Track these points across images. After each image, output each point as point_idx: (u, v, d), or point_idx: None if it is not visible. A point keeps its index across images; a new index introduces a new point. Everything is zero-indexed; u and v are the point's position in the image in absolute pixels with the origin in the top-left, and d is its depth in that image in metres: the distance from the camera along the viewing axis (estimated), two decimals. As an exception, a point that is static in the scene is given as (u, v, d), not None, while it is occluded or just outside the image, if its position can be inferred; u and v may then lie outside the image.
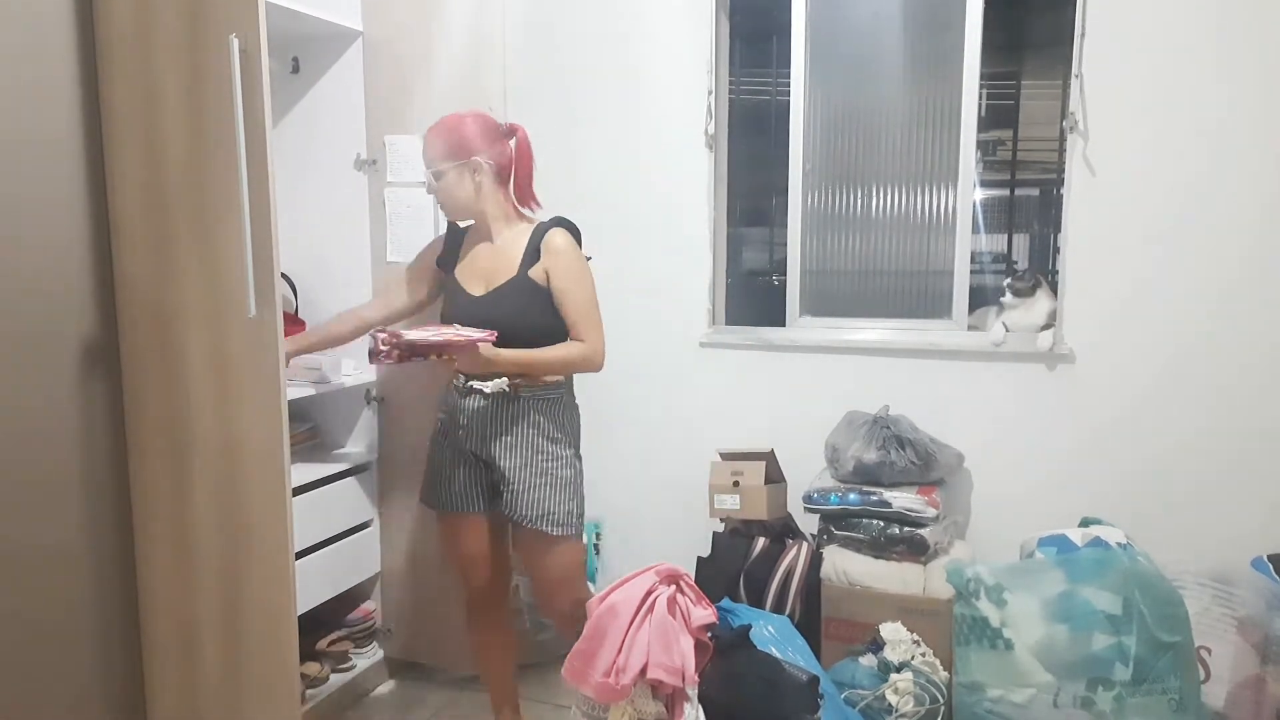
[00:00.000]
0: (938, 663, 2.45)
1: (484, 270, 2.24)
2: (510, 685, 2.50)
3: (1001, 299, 2.90)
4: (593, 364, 2.24)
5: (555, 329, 2.21)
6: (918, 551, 2.60)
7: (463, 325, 2.16)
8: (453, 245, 2.34)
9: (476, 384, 2.21)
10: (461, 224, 2.34)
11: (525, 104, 3.23)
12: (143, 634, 2.33)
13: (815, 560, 2.68)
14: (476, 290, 2.24)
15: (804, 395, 3.06)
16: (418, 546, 2.75)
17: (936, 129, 3.06)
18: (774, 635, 2.25)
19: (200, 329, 2.14)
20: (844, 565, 2.63)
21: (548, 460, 2.23)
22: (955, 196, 3.01)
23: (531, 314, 2.19)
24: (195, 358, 2.16)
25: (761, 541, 2.77)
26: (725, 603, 2.29)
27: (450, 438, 2.28)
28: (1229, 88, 2.58)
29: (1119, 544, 2.41)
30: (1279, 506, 2.61)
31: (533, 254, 2.21)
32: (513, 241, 2.24)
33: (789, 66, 3.11)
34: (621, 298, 3.22)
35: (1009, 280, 2.88)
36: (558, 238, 2.22)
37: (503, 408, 2.22)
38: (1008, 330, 2.86)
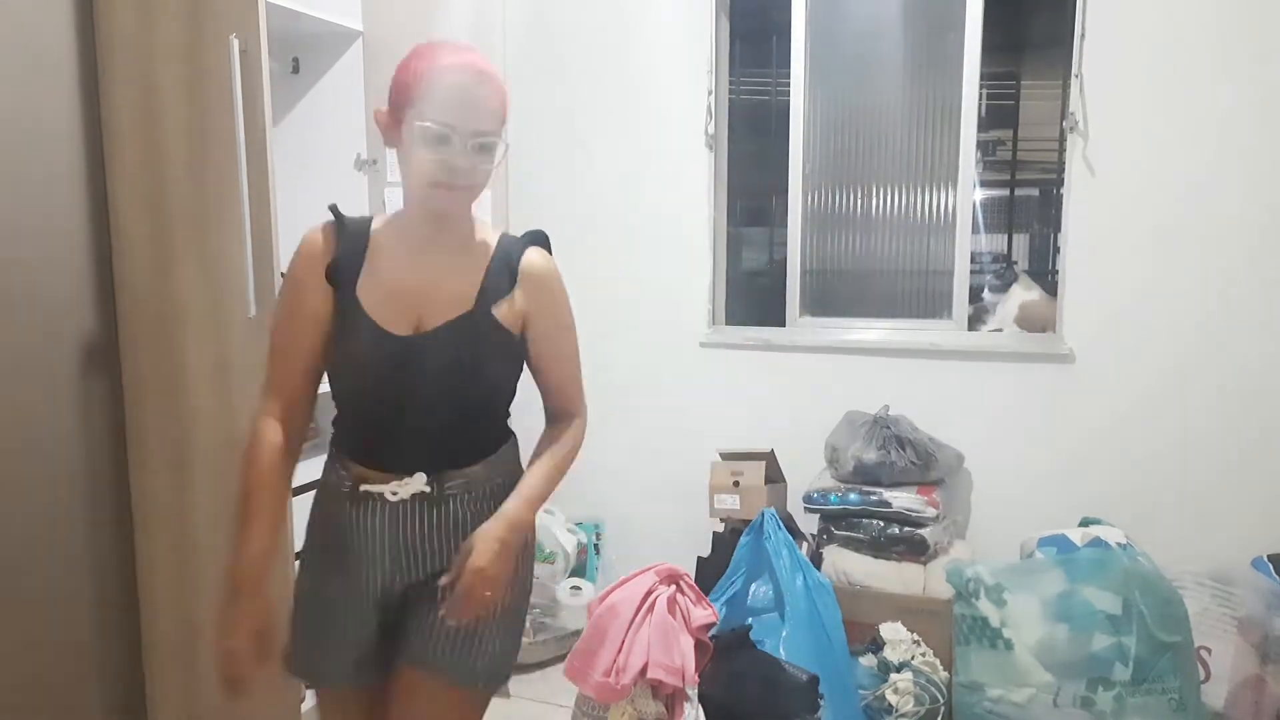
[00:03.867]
0: (938, 662, 2.45)
1: (413, 293, 1.38)
2: None
3: (984, 296, 2.94)
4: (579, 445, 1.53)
5: (511, 392, 1.48)
6: (918, 551, 2.60)
7: (378, 381, 1.38)
8: (351, 247, 1.40)
9: (377, 487, 1.40)
10: (368, 216, 1.47)
11: (525, 104, 3.23)
12: (143, 634, 2.33)
13: (815, 560, 2.68)
14: (401, 328, 1.37)
15: (804, 395, 3.06)
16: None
17: (936, 129, 3.06)
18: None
19: (200, 329, 2.14)
20: (844, 565, 2.62)
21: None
22: (955, 196, 3.01)
23: (494, 371, 1.42)
24: (195, 358, 2.16)
25: (761, 541, 2.78)
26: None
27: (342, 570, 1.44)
28: (1229, 88, 2.58)
29: (1119, 544, 2.41)
30: (1279, 506, 2.61)
31: (502, 280, 1.41)
32: (465, 254, 1.42)
33: (789, 66, 3.11)
34: (621, 298, 3.23)
35: (990, 278, 2.92)
36: (542, 261, 1.45)
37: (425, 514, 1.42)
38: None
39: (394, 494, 1.39)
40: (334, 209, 1.43)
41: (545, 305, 1.45)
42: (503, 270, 1.41)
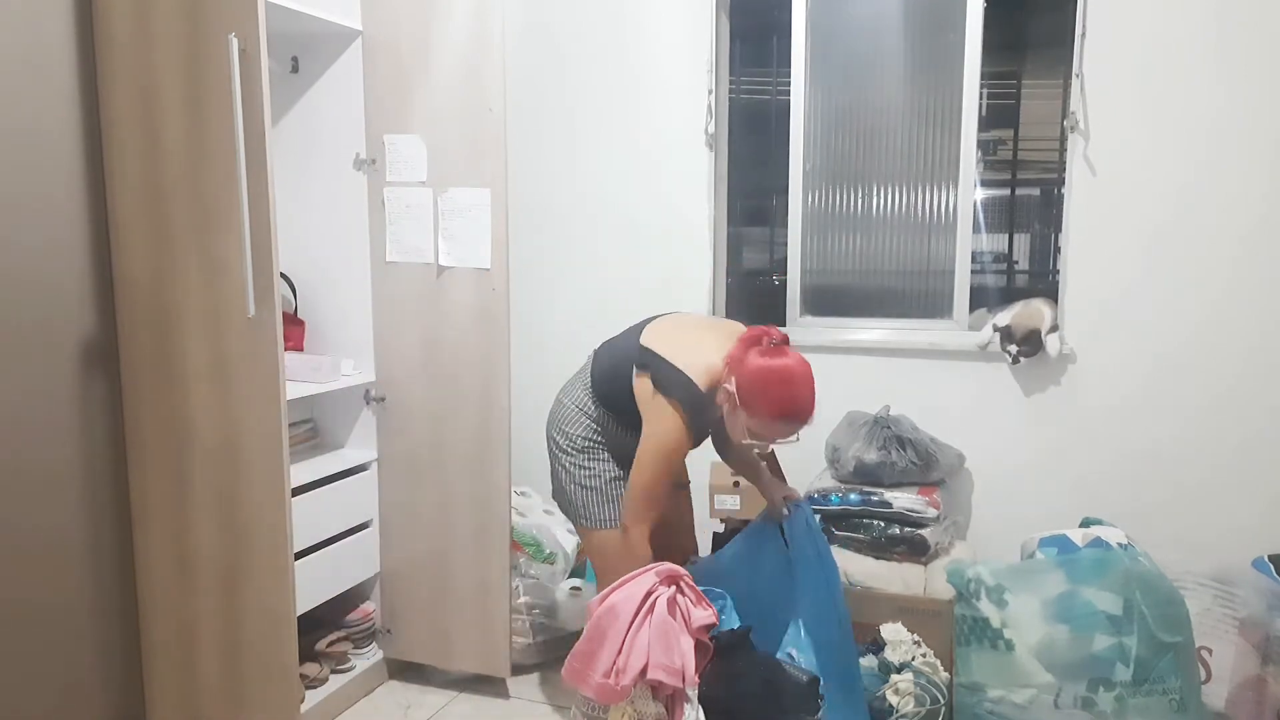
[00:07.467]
0: (938, 663, 2.44)
1: None
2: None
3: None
4: None
5: None
6: (918, 552, 2.59)
7: None
8: None
9: None
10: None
11: (525, 104, 3.23)
12: (142, 634, 2.33)
13: (815, 561, 2.68)
14: None
15: (804, 395, 3.05)
16: (418, 546, 2.75)
17: (937, 128, 3.06)
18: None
19: (199, 329, 2.14)
20: (845, 566, 2.62)
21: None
22: (956, 196, 3.00)
23: None
24: (194, 357, 2.16)
25: (762, 542, 2.77)
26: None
27: None
28: (1228, 88, 2.57)
29: (1120, 544, 2.40)
30: (1279, 506, 2.61)
31: None
32: None
33: (789, 66, 3.10)
34: (622, 298, 3.23)
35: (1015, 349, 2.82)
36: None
37: None
38: (997, 331, 2.85)
39: None
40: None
41: None
42: None
